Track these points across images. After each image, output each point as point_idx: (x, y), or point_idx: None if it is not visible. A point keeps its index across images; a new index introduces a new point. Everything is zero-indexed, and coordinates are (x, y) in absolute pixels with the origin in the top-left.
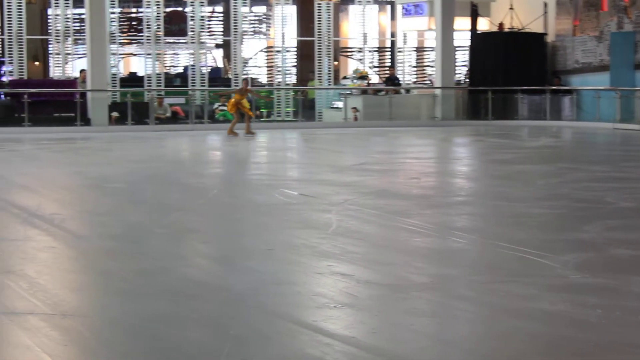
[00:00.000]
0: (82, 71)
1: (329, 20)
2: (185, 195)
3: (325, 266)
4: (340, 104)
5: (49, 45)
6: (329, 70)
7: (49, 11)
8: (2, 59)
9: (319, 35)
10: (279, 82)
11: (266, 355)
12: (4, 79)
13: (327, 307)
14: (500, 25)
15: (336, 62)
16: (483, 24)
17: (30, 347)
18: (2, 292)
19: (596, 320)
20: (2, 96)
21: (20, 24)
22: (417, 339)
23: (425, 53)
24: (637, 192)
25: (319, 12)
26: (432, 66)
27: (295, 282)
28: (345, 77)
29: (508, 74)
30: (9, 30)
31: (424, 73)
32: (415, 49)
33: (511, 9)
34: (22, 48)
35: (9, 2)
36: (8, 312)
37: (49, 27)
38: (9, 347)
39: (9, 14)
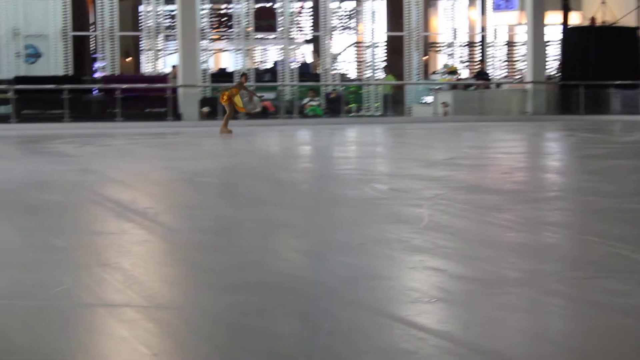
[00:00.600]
0: (173, 67)
1: (418, 15)
2: (276, 190)
3: (418, 261)
4: (429, 99)
5: (141, 42)
6: (418, 66)
7: (141, 8)
8: (95, 56)
9: (408, 30)
10: (368, 77)
11: (360, 350)
12: (97, 75)
13: (420, 302)
14: (592, 19)
15: (425, 57)
16: (575, 18)
17: (126, 339)
18: (98, 284)
19: None
20: (96, 92)
21: (113, 20)
22: (511, 334)
23: (515, 47)
24: None
25: (408, 7)
26: (522, 61)
27: (388, 277)
28: (434, 72)
29: (600, 68)
30: (101, 27)
31: (515, 68)
32: (505, 43)
33: (603, 2)
34: (114, 44)
35: (101, 0)
36: (105, 305)
37: (141, 24)
38: (106, 338)
39: (101, 12)
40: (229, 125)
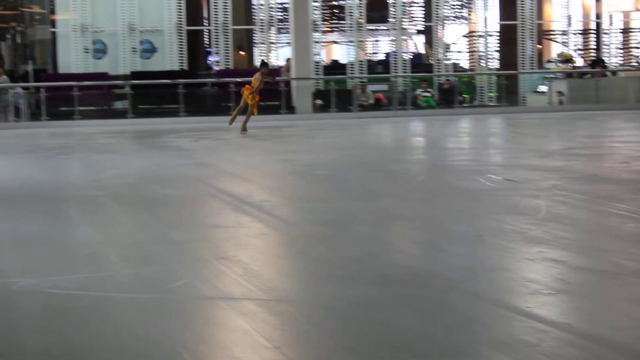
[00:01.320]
0: (287, 60)
1: (532, 3)
2: (391, 182)
3: (537, 252)
4: (544, 88)
5: (254, 35)
6: (532, 54)
7: (254, 1)
8: (209, 50)
9: (521, 18)
10: (482, 67)
11: (480, 342)
12: (212, 68)
13: (540, 294)
14: None
15: (539, 46)
16: None
17: (248, 332)
18: (218, 277)
19: None
20: (211, 86)
21: (226, 14)
22: (635, 326)
23: (632, 34)
24: None
25: None
26: (639, 48)
27: (507, 268)
28: (549, 61)
29: None
30: (215, 21)
31: (631, 55)
32: (621, 30)
33: None
34: (228, 38)
35: None
36: (225, 297)
37: (254, 17)
38: (228, 331)
39: (215, 6)
40: (236, 120)
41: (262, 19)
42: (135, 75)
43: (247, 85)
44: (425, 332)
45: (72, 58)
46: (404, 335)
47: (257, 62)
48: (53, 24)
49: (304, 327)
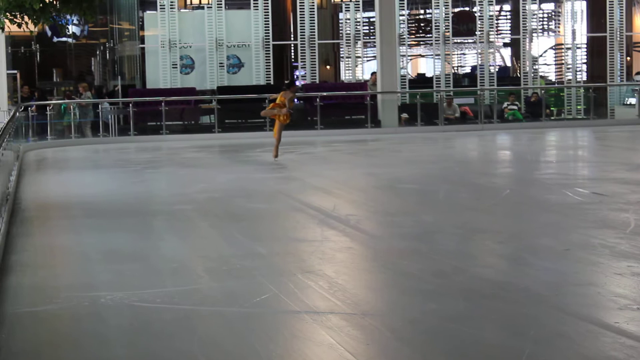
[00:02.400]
0: (372, 74)
1: (621, 15)
2: (477, 195)
3: (625, 267)
4: (633, 101)
5: (340, 49)
6: (621, 66)
7: (340, 15)
8: (295, 64)
9: (610, 30)
10: (569, 79)
11: (567, 357)
12: (298, 83)
13: (629, 309)
14: None
15: (628, 58)
16: None
17: (333, 346)
18: (303, 291)
19: None
20: (296, 100)
21: (313, 29)
22: None
23: None
24: None
25: (610, 7)
26: None
27: (595, 283)
28: (638, 73)
29: None
30: (301, 35)
31: None
32: None
33: None
34: (314, 52)
35: (301, 9)
36: (310, 311)
37: (340, 31)
38: (313, 345)
39: (301, 20)
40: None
41: (348, 33)
42: (222, 90)
43: (275, 105)
44: (512, 347)
45: (160, 74)
46: (490, 350)
47: (343, 76)
48: (142, 40)
49: (390, 342)
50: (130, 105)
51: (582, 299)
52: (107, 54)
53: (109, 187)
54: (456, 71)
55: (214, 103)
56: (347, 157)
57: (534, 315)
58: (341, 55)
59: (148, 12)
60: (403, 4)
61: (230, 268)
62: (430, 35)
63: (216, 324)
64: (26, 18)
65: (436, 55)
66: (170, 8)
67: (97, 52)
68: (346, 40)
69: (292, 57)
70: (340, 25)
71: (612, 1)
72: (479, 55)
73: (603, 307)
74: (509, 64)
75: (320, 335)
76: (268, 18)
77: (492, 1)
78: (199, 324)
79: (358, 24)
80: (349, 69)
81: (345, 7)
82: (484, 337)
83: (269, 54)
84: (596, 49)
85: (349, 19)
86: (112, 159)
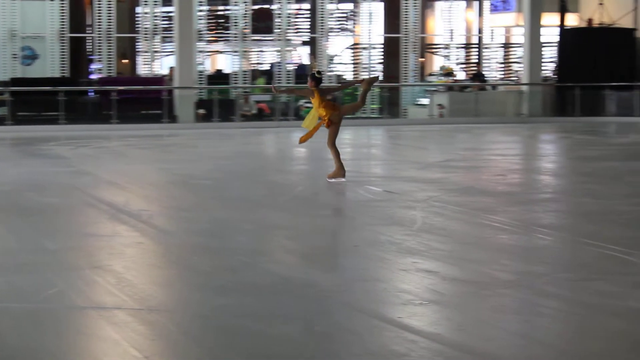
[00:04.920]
0: (170, 69)
1: (415, 17)
2: (271, 192)
3: (411, 263)
4: (425, 101)
5: (137, 43)
6: (415, 67)
7: (138, 9)
8: (91, 57)
9: (405, 31)
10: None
11: (352, 352)
12: (93, 76)
13: (412, 304)
14: (589, 20)
15: (422, 59)
16: (572, 20)
17: (118, 342)
18: (90, 287)
19: None
20: (92, 93)
21: (110, 22)
22: (504, 336)
23: (512, 49)
24: None
25: (405, 9)
26: (519, 62)
27: (381, 279)
28: (431, 74)
29: (596, 70)
30: (98, 28)
31: (511, 69)
32: (502, 45)
33: (600, 4)
34: (111, 46)
35: (99, 1)
36: (97, 307)
37: (138, 25)
38: (98, 341)
39: (99, 13)
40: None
41: (146, 27)
42: (16, 81)
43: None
44: (299, 342)
45: None
46: (276, 345)
47: (141, 71)
48: None
49: (175, 337)
50: None
51: (368, 295)
52: None
53: None
54: (254, 68)
55: (7, 95)
56: (142, 152)
57: (321, 310)
58: (138, 50)
59: None
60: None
61: (18, 263)
62: (229, 31)
63: (2, 320)
64: None
65: (234, 51)
66: None
67: None
68: (144, 34)
69: (89, 50)
70: (138, 19)
71: (407, 3)
72: (278, 53)
73: (388, 302)
74: (306, 62)
75: (105, 331)
76: (65, 9)
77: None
78: None
79: (157, 18)
80: (146, 64)
81: (144, 1)
82: (271, 332)
83: (64, 46)
84: (391, 50)
85: (147, 13)
86: None
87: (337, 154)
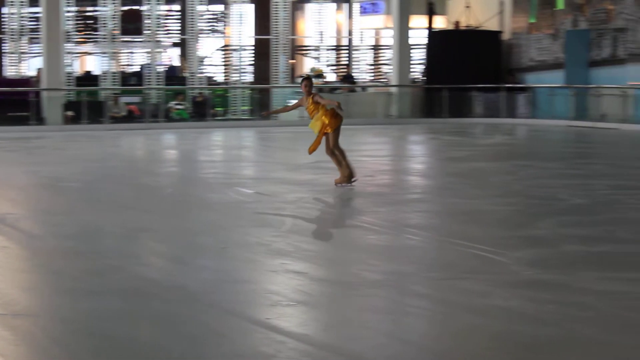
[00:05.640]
0: (38, 70)
1: (285, 19)
2: (140, 194)
3: (279, 264)
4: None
5: (4, 44)
6: (286, 69)
7: (4, 10)
8: None
9: (275, 33)
10: (235, 80)
11: (220, 354)
12: None
13: (280, 305)
14: (457, 23)
15: (292, 61)
16: (439, 22)
17: None
18: None
19: (549, 316)
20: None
21: None
22: (371, 336)
23: (381, 51)
24: (589, 189)
25: (275, 11)
26: (388, 64)
27: (249, 280)
28: (301, 76)
29: (463, 71)
30: None
31: (380, 71)
32: (371, 47)
33: (467, 7)
34: None
35: None
36: None
37: (4, 26)
38: None
39: None
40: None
41: (12, 28)
42: None
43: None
44: (165, 345)
45: None
46: (141, 349)
47: (7, 72)
48: None
49: (41, 342)
50: None
51: (237, 296)
52: None
53: None
54: (124, 70)
55: None
56: (8, 155)
57: (189, 313)
58: (5, 51)
59: None
60: (70, 0)
61: None
62: (98, 33)
63: None
64: None
65: (103, 53)
66: None
67: None
68: (11, 35)
69: None
70: (4, 19)
71: (277, 5)
72: (147, 55)
73: (256, 303)
74: (176, 63)
75: None
76: None
77: (160, 1)
78: None
79: (23, 19)
80: (13, 65)
81: (10, 2)
82: (137, 335)
83: None
84: (262, 51)
85: (14, 14)
86: None
87: (338, 160)
